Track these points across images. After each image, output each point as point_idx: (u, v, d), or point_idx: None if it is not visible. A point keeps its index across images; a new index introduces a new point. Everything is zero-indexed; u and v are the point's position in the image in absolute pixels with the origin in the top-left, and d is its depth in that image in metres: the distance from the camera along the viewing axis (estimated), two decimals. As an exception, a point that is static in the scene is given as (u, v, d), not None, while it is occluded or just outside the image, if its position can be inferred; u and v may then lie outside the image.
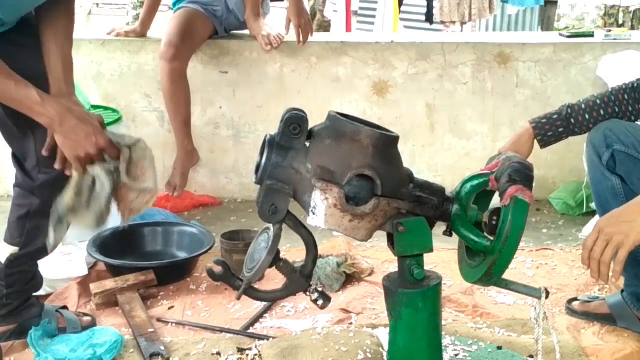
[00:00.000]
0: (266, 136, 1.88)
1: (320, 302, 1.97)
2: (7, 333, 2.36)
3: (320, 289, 1.99)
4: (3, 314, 2.35)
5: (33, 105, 1.98)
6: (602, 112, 2.36)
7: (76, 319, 2.49)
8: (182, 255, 3.02)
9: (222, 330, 2.52)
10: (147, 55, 3.80)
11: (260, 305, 2.67)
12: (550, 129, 2.38)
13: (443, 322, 2.20)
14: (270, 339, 2.42)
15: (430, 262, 2.92)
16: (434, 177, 3.83)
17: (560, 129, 2.38)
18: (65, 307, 2.57)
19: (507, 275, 1.90)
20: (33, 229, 2.25)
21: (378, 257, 3.10)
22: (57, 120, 2.00)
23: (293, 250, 3.11)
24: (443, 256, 2.98)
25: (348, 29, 7.30)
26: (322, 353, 2.22)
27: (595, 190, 2.41)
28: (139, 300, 2.66)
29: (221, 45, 3.85)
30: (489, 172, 1.97)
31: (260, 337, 2.46)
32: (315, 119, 1.93)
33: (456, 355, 2.27)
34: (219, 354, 2.36)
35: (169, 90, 3.61)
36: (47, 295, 2.72)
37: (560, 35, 4.15)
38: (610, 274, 1.95)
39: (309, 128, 1.88)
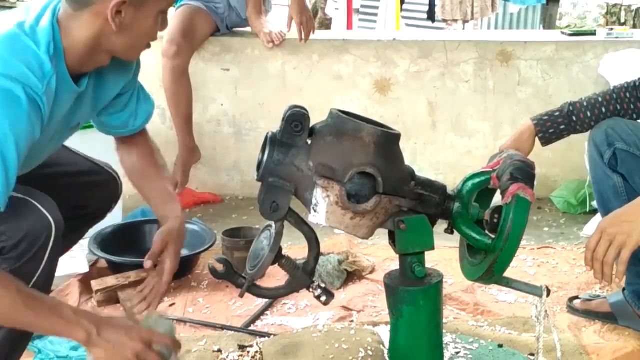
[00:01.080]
0: (268, 133, 1.88)
1: (323, 299, 1.98)
2: None
3: (322, 286, 1.99)
4: None
5: (66, 322, 1.73)
6: (603, 109, 2.36)
7: None
8: (183, 252, 3.01)
9: (223, 328, 2.52)
10: (149, 52, 3.78)
11: (261, 302, 2.67)
12: (552, 126, 2.38)
13: (444, 320, 2.20)
14: (272, 336, 2.42)
15: (432, 260, 2.92)
16: (436, 175, 3.83)
17: (562, 126, 2.38)
18: None
19: (508, 273, 1.90)
20: None
21: (379, 254, 3.10)
22: (94, 330, 1.73)
23: (295, 248, 3.11)
24: (444, 254, 2.98)
25: (349, 26, 7.31)
26: (323, 350, 2.22)
27: (597, 189, 2.40)
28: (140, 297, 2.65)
29: (223, 42, 3.85)
30: (491, 170, 1.97)
31: (262, 334, 2.46)
32: (317, 117, 1.93)
33: (457, 353, 2.27)
34: (220, 351, 2.36)
35: (170, 88, 3.61)
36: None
37: (562, 33, 4.14)
38: (614, 274, 1.96)
39: (310, 125, 1.88)
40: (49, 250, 1.91)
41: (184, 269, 2.92)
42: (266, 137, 1.88)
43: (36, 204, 1.91)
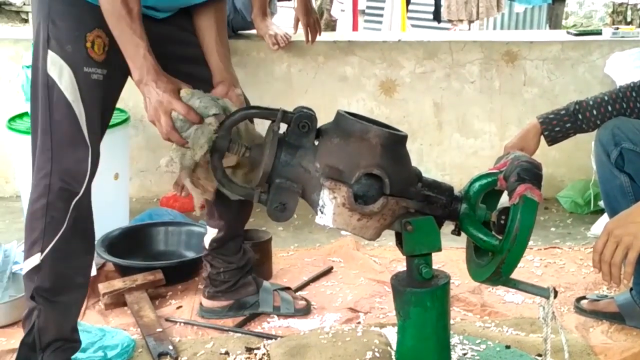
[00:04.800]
0: (273, 127, 1.89)
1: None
2: (227, 308, 2.60)
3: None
4: (222, 289, 2.59)
5: (135, 56, 1.97)
6: (609, 108, 2.36)
7: (291, 300, 2.66)
8: (190, 255, 3.02)
9: (230, 330, 2.52)
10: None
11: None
12: (558, 124, 2.37)
13: (451, 321, 2.20)
14: (278, 338, 2.42)
15: (439, 261, 2.92)
16: (442, 176, 3.83)
17: (568, 125, 2.37)
18: (287, 288, 2.73)
19: (515, 274, 1.89)
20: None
21: (386, 256, 3.10)
22: (143, 79, 1.97)
23: (301, 250, 3.11)
24: (451, 255, 2.98)
25: (355, 28, 7.30)
26: (330, 352, 2.22)
27: (603, 189, 2.40)
28: (147, 300, 2.66)
29: (229, 44, 3.84)
30: (498, 171, 1.97)
31: (268, 337, 2.46)
32: (323, 118, 1.93)
33: (464, 354, 2.27)
34: (227, 353, 2.36)
35: (176, 90, 3.61)
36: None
37: (568, 33, 4.14)
38: (622, 275, 1.95)
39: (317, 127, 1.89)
40: None
41: (191, 272, 2.92)
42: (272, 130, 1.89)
43: None
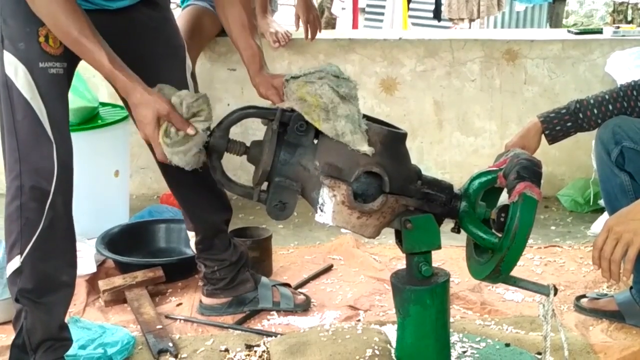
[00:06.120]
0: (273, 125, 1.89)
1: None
2: (226, 304, 2.61)
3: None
4: (220, 287, 2.60)
5: (108, 75, 1.95)
6: (610, 107, 2.36)
7: (291, 295, 2.66)
8: (190, 252, 3.02)
9: (230, 327, 2.53)
10: (155, 52, 3.80)
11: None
12: (559, 123, 2.37)
13: (451, 319, 2.20)
14: (278, 336, 2.42)
15: (438, 259, 2.92)
16: (442, 174, 3.83)
17: (569, 124, 2.38)
18: (286, 284, 2.73)
19: (515, 272, 1.90)
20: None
21: (386, 254, 3.10)
22: (127, 92, 1.96)
23: (301, 248, 3.11)
24: (451, 253, 2.98)
25: (355, 26, 7.31)
26: (330, 350, 2.22)
27: (603, 187, 2.40)
28: (147, 297, 2.66)
29: (229, 42, 3.82)
30: (497, 169, 1.97)
31: (268, 334, 2.46)
32: (323, 116, 1.93)
33: (464, 352, 2.27)
34: (227, 350, 2.36)
35: (177, 88, 3.60)
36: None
37: (569, 32, 4.13)
38: (621, 272, 1.96)
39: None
40: None
41: (191, 269, 2.92)
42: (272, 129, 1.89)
43: None
